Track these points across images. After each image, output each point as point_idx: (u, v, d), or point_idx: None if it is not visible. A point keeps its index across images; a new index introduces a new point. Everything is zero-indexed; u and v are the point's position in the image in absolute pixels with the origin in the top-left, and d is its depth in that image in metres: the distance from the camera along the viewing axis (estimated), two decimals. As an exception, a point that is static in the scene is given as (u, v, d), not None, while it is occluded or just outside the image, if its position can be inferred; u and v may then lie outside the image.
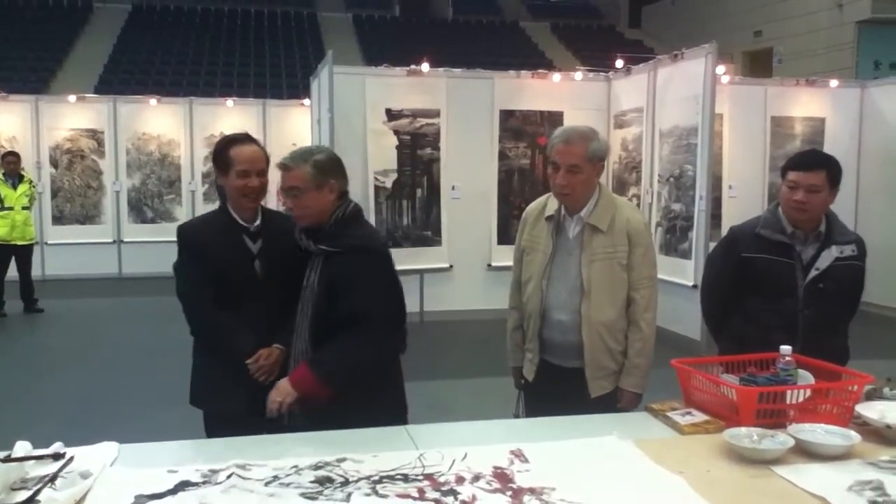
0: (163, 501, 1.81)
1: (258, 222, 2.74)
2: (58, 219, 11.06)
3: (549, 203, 2.85)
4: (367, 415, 2.36)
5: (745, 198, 8.15)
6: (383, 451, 2.09)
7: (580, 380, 2.74)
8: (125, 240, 11.22)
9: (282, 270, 2.68)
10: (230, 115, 11.47)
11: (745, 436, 2.11)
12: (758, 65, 16.99)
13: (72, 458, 1.98)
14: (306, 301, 2.59)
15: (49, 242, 10.89)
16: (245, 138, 2.74)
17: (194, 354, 2.79)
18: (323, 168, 2.54)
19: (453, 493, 1.85)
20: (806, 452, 2.06)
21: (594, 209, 2.74)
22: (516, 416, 2.93)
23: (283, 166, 2.55)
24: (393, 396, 2.67)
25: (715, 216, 7.37)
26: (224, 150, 2.68)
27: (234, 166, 2.65)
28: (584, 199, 2.74)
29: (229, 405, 2.62)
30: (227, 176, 2.67)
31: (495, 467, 1.99)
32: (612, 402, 2.73)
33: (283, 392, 2.48)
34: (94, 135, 11.08)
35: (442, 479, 1.92)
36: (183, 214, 11.30)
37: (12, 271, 8.65)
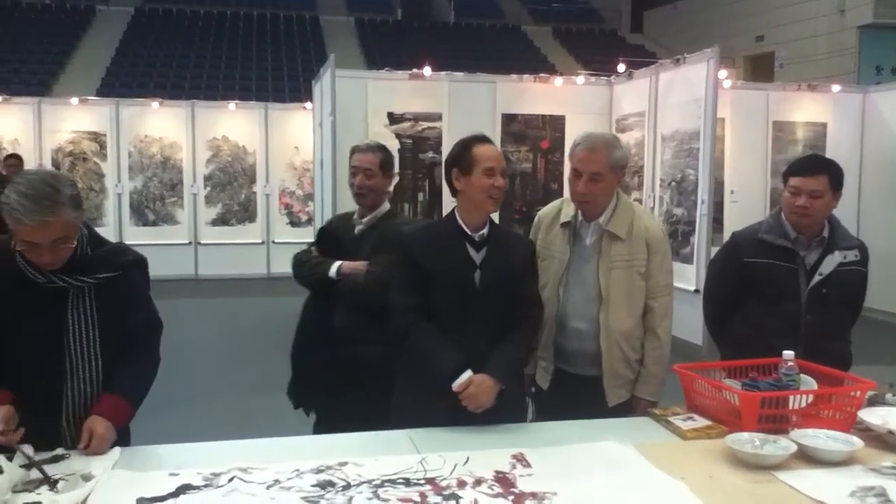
0: (164, 505, 1.81)
1: (484, 231, 2.54)
2: (60, 221, 11.04)
3: (564, 208, 2.80)
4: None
5: (747, 202, 8.15)
6: (385, 455, 2.09)
7: (596, 388, 2.69)
8: (127, 242, 11.11)
9: (506, 283, 2.51)
10: (232, 118, 11.46)
11: (748, 441, 2.11)
12: (759, 69, 17.01)
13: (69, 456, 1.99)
14: (89, 341, 2.18)
15: (51, 244, 10.88)
16: (484, 138, 2.58)
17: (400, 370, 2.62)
18: (79, 201, 2.09)
19: (455, 497, 1.85)
20: (808, 458, 2.06)
21: (612, 216, 2.70)
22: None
23: (44, 222, 1.97)
24: None
25: (717, 221, 7.37)
26: (465, 151, 2.53)
27: (480, 164, 2.49)
28: (603, 207, 2.70)
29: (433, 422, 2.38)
30: (469, 177, 2.50)
31: (497, 472, 2.00)
32: (628, 411, 2.69)
33: (109, 437, 2.10)
34: (97, 137, 11.06)
35: (444, 484, 1.92)
36: (184, 217, 11.31)
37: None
